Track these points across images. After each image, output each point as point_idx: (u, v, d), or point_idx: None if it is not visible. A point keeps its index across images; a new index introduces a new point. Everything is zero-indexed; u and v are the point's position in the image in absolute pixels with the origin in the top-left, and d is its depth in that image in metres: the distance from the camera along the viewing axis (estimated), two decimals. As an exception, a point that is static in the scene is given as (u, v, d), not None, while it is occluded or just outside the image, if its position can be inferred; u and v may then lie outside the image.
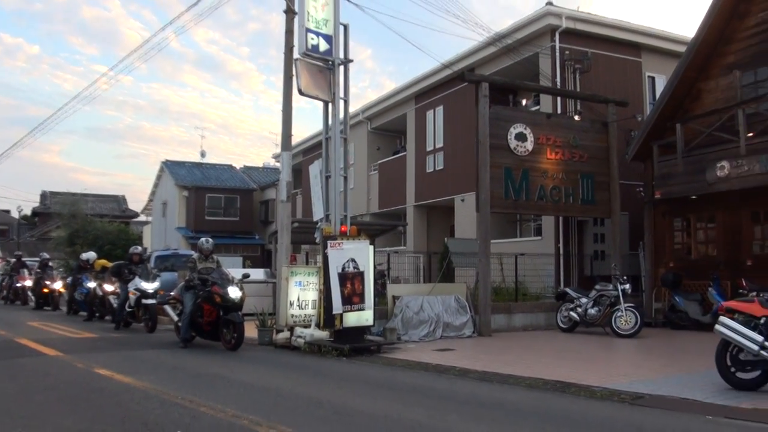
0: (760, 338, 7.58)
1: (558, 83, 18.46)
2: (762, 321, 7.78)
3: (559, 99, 18.59)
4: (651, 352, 12.26)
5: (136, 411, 6.70)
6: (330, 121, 13.27)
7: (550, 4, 18.68)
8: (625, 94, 18.46)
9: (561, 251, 18.16)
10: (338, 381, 9.04)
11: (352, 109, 27.62)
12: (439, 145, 24.04)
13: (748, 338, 7.64)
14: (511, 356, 11.60)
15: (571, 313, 15.18)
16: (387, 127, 28.86)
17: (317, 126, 12.11)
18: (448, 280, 16.84)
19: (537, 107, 19.73)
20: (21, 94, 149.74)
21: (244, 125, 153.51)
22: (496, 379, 8.99)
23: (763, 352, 7.51)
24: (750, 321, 7.87)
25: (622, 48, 19.88)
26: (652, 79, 20.26)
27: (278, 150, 17.64)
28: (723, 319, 8.02)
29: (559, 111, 18.30)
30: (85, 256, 22.11)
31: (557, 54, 18.65)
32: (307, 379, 9.11)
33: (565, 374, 9.05)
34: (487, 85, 15.33)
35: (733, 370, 7.91)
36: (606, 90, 18.27)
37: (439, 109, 23.99)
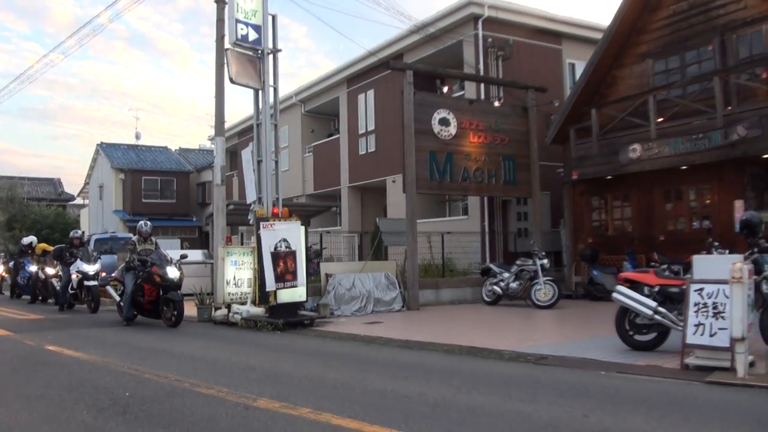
0: (653, 304, 8.55)
1: (481, 70, 19.33)
2: (656, 289, 8.78)
3: (482, 85, 19.46)
4: (564, 321, 13.30)
5: (87, 379, 7.42)
6: (261, 108, 13.91)
7: (473, -7, 19.47)
8: (547, 80, 19.42)
9: (486, 229, 19.12)
10: (271, 351, 9.83)
11: (286, 92, 28.26)
12: (371, 127, 24.75)
13: (642, 304, 8.60)
14: (433, 327, 12.50)
15: (495, 287, 16.15)
16: (320, 110, 29.43)
17: (252, 109, 12.61)
18: (380, 259, 17.66)
19: (462, 92, 20.60)
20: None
21: (178, 105, 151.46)
22: (417, 347, 9.86)
23: (656, 316, 8.48)
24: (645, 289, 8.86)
25: (544, 36, 20.88)
26: (573, 65, 21.32)
27: (213, 132, 18.20)
28: (620, 287, 9.00)
29: (482, 97, 19.17)
30: (26, 240, 22.35)
31: (480, 42, 19.50)
32: (242, 350, 9.87)
33: (479, 341, 9.95)
34: (411, 73, 16.12)
35: (631, 333, 8.88)
36: (528, 76, 19.20)
37: (371, 93, 24.68)
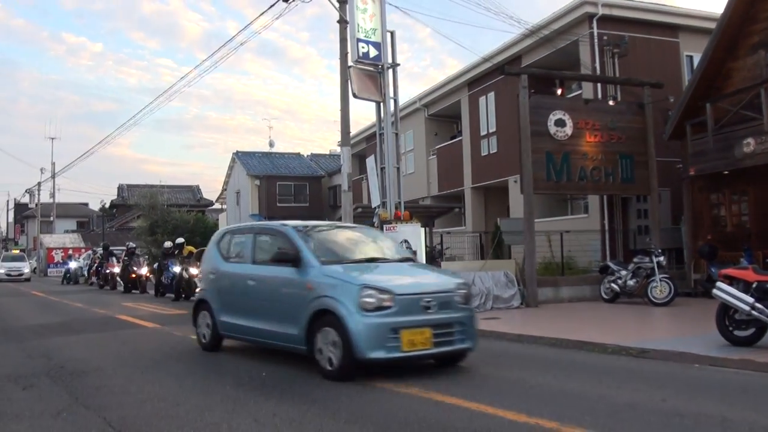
0: (750, 300, 8.89)
1: (597, 69, 19.59)
2: (754, 286, 9.12)
3: (598, 84, 19.73)
4: (676, 318, 13.59)
5: (228, 361, 8.71)
6: (382, 119, 14.95)
7: (586, -8, 19.79)
8: (664, 74, 19.42)
9: (606, 227, 19.38)
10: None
11: (409, 97, 29.30)
12: (492, 129, 25.36)
13: (740, 300, 8.96)
14: (547, 323, 13.13)
15: (612, 284, 16.47)
16: (443, 113, 30.26)
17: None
18: (502, 257, 18.31)
19: (579, 92, 20.92)
20: (87, 90, 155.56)
21: (308, 110, 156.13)
22: (528, 340, 10.58)
23: (753, 312, 8.84)
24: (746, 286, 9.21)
25: (659, 30, 20.80)
26: (690, 58, 21.11)
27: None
28: (720, 284, 9.39)
29: (599, 96, 19.44)
30: (179, 240, 24.31)
31: (595, 40, 19.75)
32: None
33: (587, 336, 10.50)
34: (525, 77, 16.67)
35: (731, 328, 9.21)
36: (645, 72, 19.25)
37: (491, 95, 25.30)
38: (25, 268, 44.60)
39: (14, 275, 42.65)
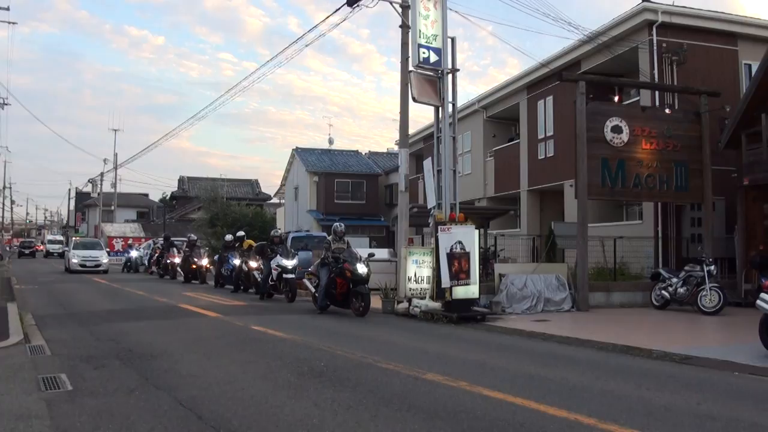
0: None
1: (656, 76, 19.70)
2: None
3: (656, 91, 19.84)
4: (723, 327, 13.72)
5: (288, 352, 9.24)
6: (440, 122, 15.38)
7: (646, 0, 19.90)
8: (722, 82, 19.43)
9: (659, 234, 19.50)
10: (443, 339, 11.27)
11: (469, 97, 29.64)
12: (550, 133, 25.57)
13: None
14: (596, 327, 13.37)
15: (663, 292, 16.60)
16: (501, 116, 30.54)
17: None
18: (555, 261, 18.58)
19: (637, 98, 21.04)
20: (148, 83, 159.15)
21: (366, 107, 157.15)
22: (575, 343, 10.90)
23: (796, 324, 9.05)
24: None
25: (718, 38, 20.77)
26: (749, 66, 21.03)
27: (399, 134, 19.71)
28: (763, 295, 9.62)
29: (657, 102, 19.56)
30: (239, 233, 25.10)
31: (654, 48, 19.86)
32: (418, 337, 11.40)
33: (634, 341, 10.78)
34: (583, 84, 16.91)
35: (773, 339, 9.47)
36: (702, 80, 19.30)
37: (549, 99, 25.52)
38: (103, 257, 37.08)
39: (90, 266, 35.46)
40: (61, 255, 63.28)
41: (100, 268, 35.55)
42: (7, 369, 8.00)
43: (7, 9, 40.77)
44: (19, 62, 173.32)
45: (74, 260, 35.49)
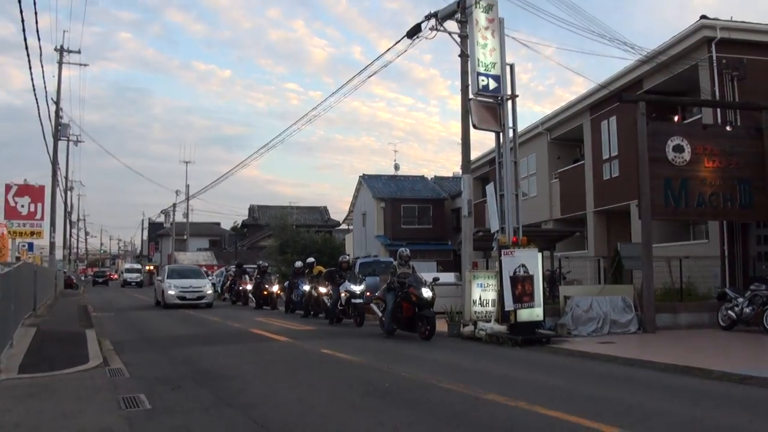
0: None
1: (716, 92, 19.56)
2: None
3: (718, 108, 19.67)
4: (789, 347, 13.55)
5: (355, 373, 9.71)
6: (501, 147, 15.66)
7: (704, 17, 19.83)
8: (783, 97, 19.16)
9: (726, 253, 19.26)
10: (507, 361, 11.52)
11: (533, 120, 29.72)
12: (614, 153, 25.46)
13: None
14: (659, 348, 13.37)
15: (729, 312, 16.37)
16: (565, 137, 30.46)
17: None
18: (621, 282, 18.53)
19: (699, 116, 20.88)
20: (217, 115, 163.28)
21: (431, 131, 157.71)
22: (637, 364, 10.99)
23: None
24: None
25: (779, 52, 20.52)
26: (812, 79, 20.66)
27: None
28: None
29: (718, 120, 19.39)
30: (309, 260, 25.60)
31: (714, 64, 19.70)
32: (482, 359, 11.68)
33: (695, 361, 10.78)
34: (643, 104, 16.95)
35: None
36: (764, 95, 18.96)
37: (613, 119, 25.42)
38: (207, 287, 29.20)
39: (192, 299, 27.82)
40: (140, 284, 65.10)
41: (203, 301, 28.21)
42: (88, 390, 8.60)
43: (79, 52, 42.93)
44: (90, 99, 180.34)
45: (171, 291, 27.70)
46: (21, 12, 14.40)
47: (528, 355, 12.49)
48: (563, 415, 6.72)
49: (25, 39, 17.03)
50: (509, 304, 14.18)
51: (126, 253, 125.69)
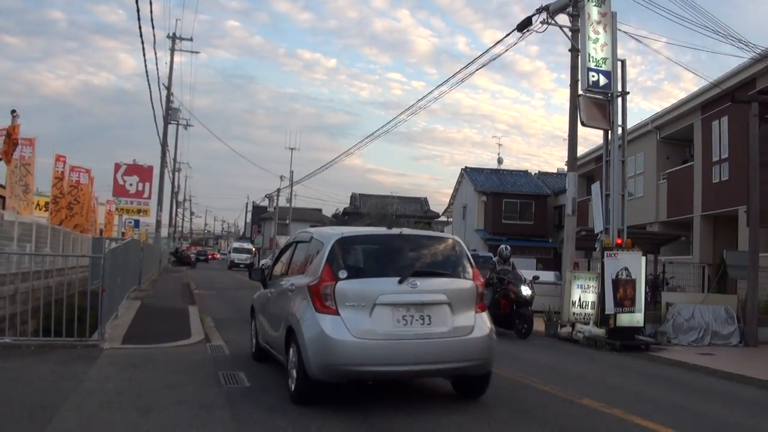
0: None
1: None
2: None
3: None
4: None
5: None
6: (609, 146, 15.32)
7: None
8: None
9: (842, 263, 18.31)
10: (604, 365, 11.37)
11: (642, 116, 28.93)
12: (725, 155, 24.44)
13: None
14: (761, 363, 12.84)
15: (839, 326, 15.64)
16: (675, 137, 29.42)
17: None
18: (725, 292, 17.87)
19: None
20: (321, 103, 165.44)
21: (535, 125, 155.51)
22: (736, 379, 10.61)
23: None
24: None
25: None
26: None
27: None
28: None
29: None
30: None
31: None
32: (578, 362, 11.58)
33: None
34: (756, 105, 16.14)
35: None
36: None
37: (725, 120, 24.36)
38: None
39: None
40: (249, 266, 63.11)
41: None
42: (190, 364, 9.00)
43: (191, 39, 44.33)
44: (198, 86, 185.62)
45: None
46: (136, 1, 15.00)
47: (625, 361, 12.24)
48: (659, 426, 6.63)
49: (140, 27, 17.66)
50: (610, 308, 13.91)
51: (229, 234, 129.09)
